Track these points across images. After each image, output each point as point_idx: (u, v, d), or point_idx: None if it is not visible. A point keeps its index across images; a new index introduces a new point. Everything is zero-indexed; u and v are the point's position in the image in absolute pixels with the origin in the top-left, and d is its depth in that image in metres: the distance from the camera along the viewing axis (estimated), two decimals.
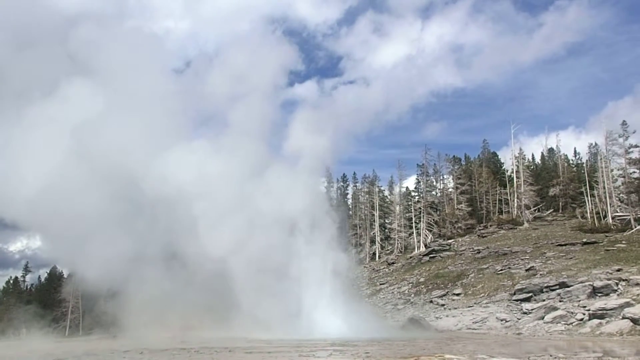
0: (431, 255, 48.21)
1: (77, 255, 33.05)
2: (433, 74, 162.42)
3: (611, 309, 23.57)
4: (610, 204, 46.52)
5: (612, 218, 45.18)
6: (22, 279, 62.35)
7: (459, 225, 55.15)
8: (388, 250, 59.58)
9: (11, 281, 61.86)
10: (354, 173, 75.94)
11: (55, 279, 57.62)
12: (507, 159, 64.60)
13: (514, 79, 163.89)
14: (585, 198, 49.78)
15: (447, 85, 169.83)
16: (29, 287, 62.24)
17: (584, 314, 24.50)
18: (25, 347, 27.38)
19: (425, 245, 53.17)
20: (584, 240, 38.06)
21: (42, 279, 62.17)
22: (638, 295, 24.70)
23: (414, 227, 56.80)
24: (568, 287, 27.65)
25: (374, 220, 61.39)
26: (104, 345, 24.04)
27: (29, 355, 19.35)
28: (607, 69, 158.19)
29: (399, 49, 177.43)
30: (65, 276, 56.59)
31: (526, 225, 50.51)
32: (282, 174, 32.22)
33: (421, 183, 61.85)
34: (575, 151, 68.62)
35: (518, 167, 55.64)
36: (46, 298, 51.94)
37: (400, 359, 14.32)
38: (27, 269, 61.54)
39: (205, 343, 21.85)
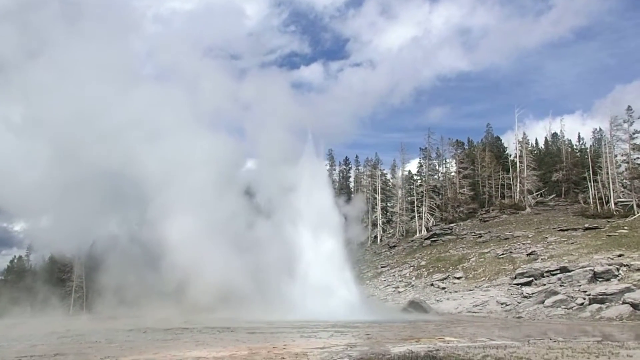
0: (433, 239, 48.33)
1: (48, 232, 33.72)
2: (439, 58, 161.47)
3: (611, 294, 23.71)
4: (613, 190, 46.46)
5: (615, 204, 45.16)
6: (26, 258, 62.71)
7: (461, 209, 55.16)
8: (390, 233, 59.72)
9: (15, 260, 62.23)
10: (357, 156, 75.89)
11: (59, 259, 57.82)
12: (511, 144, 64.45)
13: (520, 62, 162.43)
14: (588, 183, 49.71)
15: (452, 69, 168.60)
16: (32, 266, 62.55)
17: (584, 299, 24.64)
18: (28, 325, 27.63)
19: (427, 229, 53.23)
20: (586, 225, 38.11)
21: (46, 258, 62.45)
22: (639, 280, 24.81)
23: (415, 210, 56.84)
24: (569, 271, 27.78)
25: (376, 204, 61.45)
26: (108, 324, 24.23)
27: (32, 334, 19.54)
28: (614, 54, 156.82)
29: (406, 32, 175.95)
30: (69, 255, 56.92)
31: (528, 210, 50.49)
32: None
33: (424, 167, 61.68)
34: (579, 136, 68.39)
35: (521, 151, 55.47)
36: (50, 277, 52.20)
37: (401, 340, 14.43)
38: (30, 248, 61.80)
39: (207, 323, 22.03)
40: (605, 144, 50.85)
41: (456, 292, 32.91)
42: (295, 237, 30.85)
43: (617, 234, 34.50)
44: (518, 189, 54.74)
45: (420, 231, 54.17)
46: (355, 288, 31.17)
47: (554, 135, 70.95)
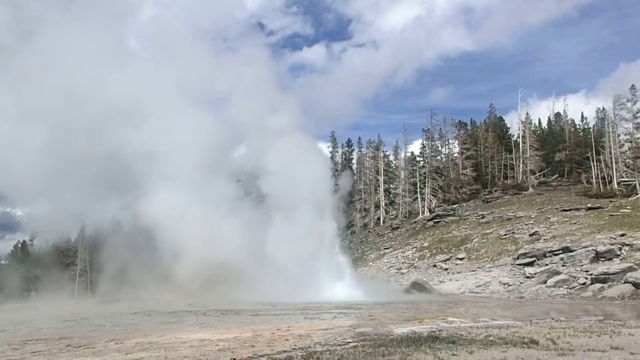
0: (435, 220, 48.39)
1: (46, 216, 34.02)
2: (442, 37, 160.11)
3: (613, 274, 23.77)
4: (616, 169, 46.33)
5: (618, 183, 45.08)
6: (29, 242, 62.91)
7: (464, 190, 55.11)
8: (392, 215, 59.74)
9: (19, 245, 62.44)
10: (359, 138, 75.72)
11: (63, 243, 58.06)
12: (514, 124, 64.28)
13: (523, 42, 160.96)
14: (591, 163, 49.56)
15: (456, 49, 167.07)
16: (36, 250, 62.76)
17: (586, 278, 24.70)
18: (34, 309, 27.87)
19: (430, 210, 53.30)
20: (589, 205, 38.11)
21: (50, 243, 62.65)
22: None
23: (418, 192, 56.79)
24: (571, 251, 27.82)
25: (379, 185, 61.41)
26: (113, 307, 24.40)
27: (37, 318, 19.69)
28: (618, 32, 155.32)
29: (409, 11, 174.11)
30: (72, 240, 57.23)
31: (531, 190, 50.46)
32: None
33: (426, 148, 61.57)
34: (582, 116, 67.93)
35: (524, 131, 55.27)
36: (54, 261, 52.47)
37: (404, 321, 14.51)
38: (34, 233, 61.97)
39: (211, 306, 22.16)
40: (608, 124, 50.56)
41: (459, 272, 33.02)
42: (288, 216, 31.04)
43: (619, 213, 34.49)
44: (521, 170, 54.66)
45: (423, 212, 54.21)
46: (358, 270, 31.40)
47: (557, 115, 70.66)
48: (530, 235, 34.49)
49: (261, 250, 29.48)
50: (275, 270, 28.19)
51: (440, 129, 62.81)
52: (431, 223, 48.47)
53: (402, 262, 40.57)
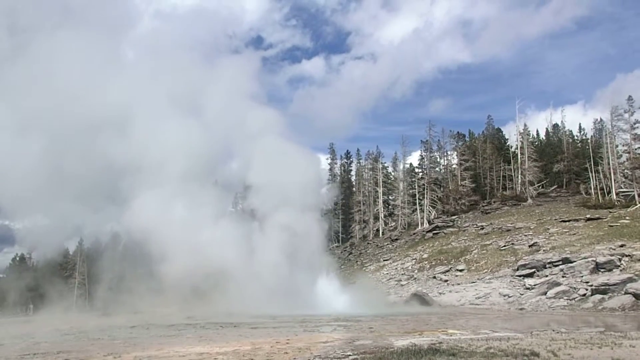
0: (435, 232, 48.33)
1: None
2: (440, 50, 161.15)
3: (614, 285, 23.69)
4: (614, 180, 46.38)
5: (616, 194, 45.08)
6: (28, 255, 62.73)
7: (463, 201, 55.07)
8: (392, 226, 59.71)
9: (17, 258, 62.23)
10: (358, 150, 75.92)
11: (61, 256, 57.88)
12: (512, 135, 64.40)
13: (521, 54, 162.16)
14: (590, 174, 49.58)
15: (454, 61, 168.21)
16: (35, 263, 62.56)
17: (586, 290, 24.62)
18: (31, 323, 27.72)
19: (429, 222, 53.24)
20: (588, 216, 38.07)
21: (48, 256, 62.37)
22: None
23: (417, 203, 56.76)
24: (571, 262, 27.76)
25: (378, 197, 61.40)
26: (111, 320, 24.31)
27: (35, 331, 19.60)
28: (615, 44, 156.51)
29: (407, 24, 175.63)
30: (70, 253, 57.11)
31: (530, 201, 50.46)
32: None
33: (425, 159, 61.57)
34: (580, 127, 68.09)
35: (522, 143, 55.39)
36: (52, 274, 52.28)
37: (404, 334, 14.43)
38: (32, 246, 61.76)
39: (210, 318, 22.07)
40: (606, 135, 50.70)
41: (458, 284, 32.91)
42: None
43: (618, 224, 34.46)
44: (519, 181, 54.69)
45: (422, 224, 54.14)
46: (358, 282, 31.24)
47: (555, 126, 70.78)
48: (529, 246, 34.43)
49: (251, 259, 29.43)
50: (266, 280, 28.10)
51: (439, 140, 62.95)
52: (430, 234, 48.41)
53: (402, 274, 40.45)
